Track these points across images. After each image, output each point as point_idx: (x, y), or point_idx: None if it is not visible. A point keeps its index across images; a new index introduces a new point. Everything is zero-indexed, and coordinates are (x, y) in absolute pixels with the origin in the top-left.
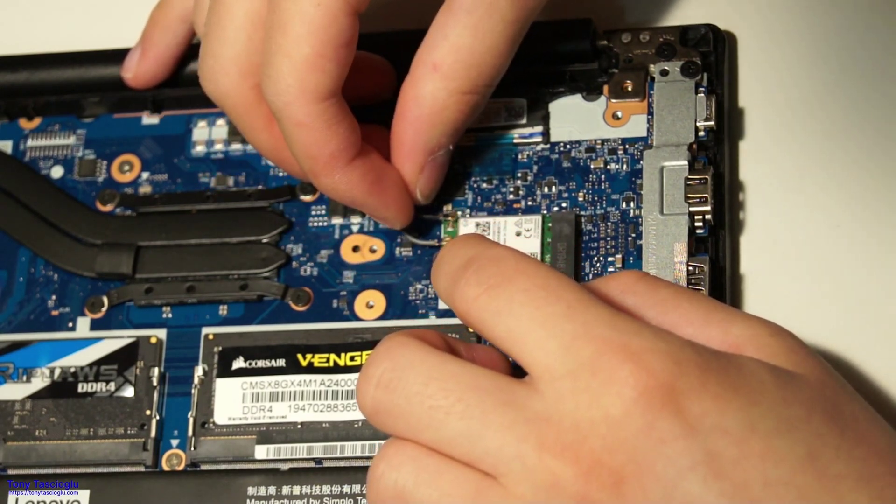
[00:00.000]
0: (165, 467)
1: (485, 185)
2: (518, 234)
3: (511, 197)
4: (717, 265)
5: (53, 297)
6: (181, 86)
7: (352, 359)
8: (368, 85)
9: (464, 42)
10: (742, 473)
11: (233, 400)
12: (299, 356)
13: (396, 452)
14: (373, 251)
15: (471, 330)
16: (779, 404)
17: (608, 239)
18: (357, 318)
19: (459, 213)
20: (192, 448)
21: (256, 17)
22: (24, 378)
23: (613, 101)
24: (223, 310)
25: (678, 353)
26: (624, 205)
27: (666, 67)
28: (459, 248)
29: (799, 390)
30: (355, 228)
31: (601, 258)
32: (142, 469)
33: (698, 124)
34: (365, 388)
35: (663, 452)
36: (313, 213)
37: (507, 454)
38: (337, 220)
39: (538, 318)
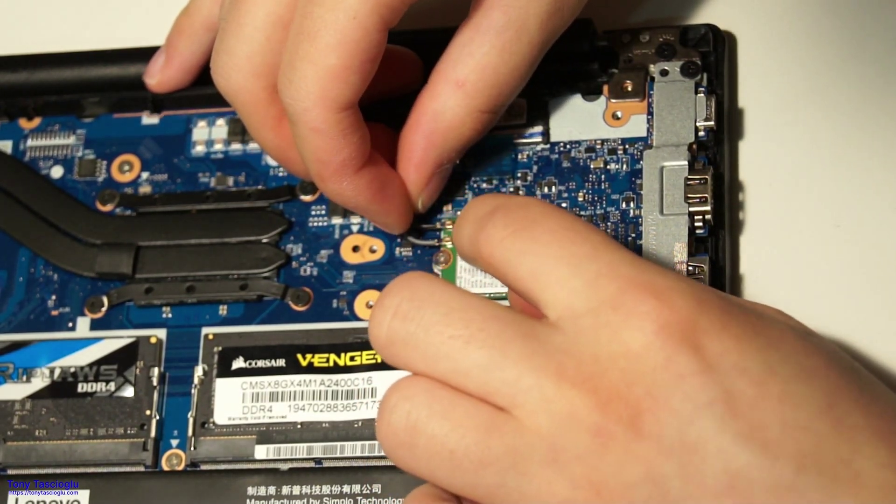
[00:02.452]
0: (165, 467)
1: (485, 186)
2: None
3: None
4: (717, 265)
5: (53, 297)
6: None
7: (352, 359)
8: (398, 78)
9: (490, 61)
10: (759, 414)
11: (233, 400)
12: (299, 356)
13: (410, 384)
14: (373, 251)
15: None
16: (799, 353)
17: None
18: (357, 318)
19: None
20: (192, 448)
21: (277, 19)
22: (24, 378)
23: (613, 101)
24: (223, 310)
25: (701, 294)
26: (624, 205)
27: (666, 67)
28: (485, 199)
29: (819, 345)
30: (355, 228)
31: None
32: (142, 469)
33: (698, 124)
34: (381, 317)
35: (681, 387)
36: (313, 213)
37: (525, 384)
38: (337, 220)
39: (563, 258)
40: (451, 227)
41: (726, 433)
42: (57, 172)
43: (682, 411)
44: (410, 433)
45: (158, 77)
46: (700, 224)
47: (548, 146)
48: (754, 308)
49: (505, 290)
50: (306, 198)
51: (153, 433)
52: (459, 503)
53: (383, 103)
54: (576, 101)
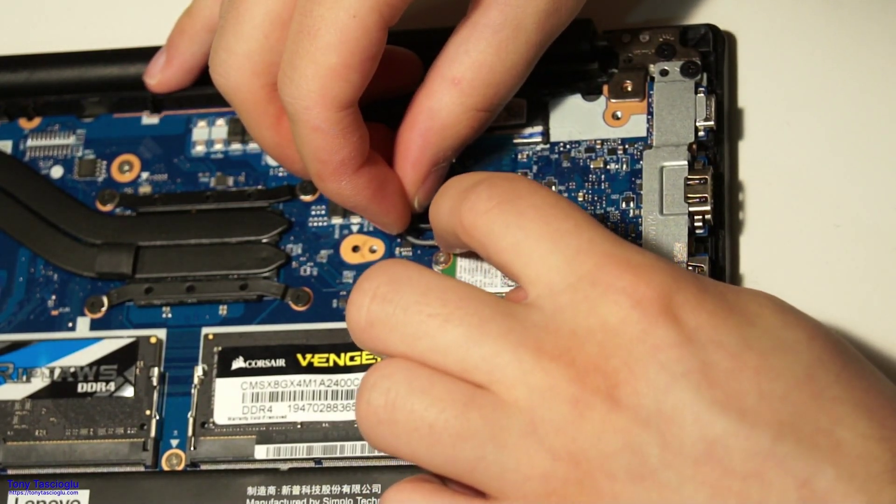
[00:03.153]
0: (165, 467)
1: None
2: None
3: None
4: (716, 265)
5: (53, 297)
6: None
7: (351, 359)
8: (397, 78)
9: (486, 59)
10: (736, 384)
11: (233, 400)
12: (299, 356)
13: (389, 364)
14: (373, 251)
15: None
16: (777, 327)
17: None
18: None
19: None
20: (192, 448)
21: (276, 17)
22: (24, 378)
23: (613, 101)
24: (223, 310)
25: (677, 272)
26: (624, 205)
27: (666, 67)
28: (467, 175)
29: (801, 319)
30: (355, 228)
31: None
32: (142, 469)
33: (698, 124)
34: (360, 300)
35: (657, 358)
36: (313, 213)
37: (503, 359)
38: (337, 220)
39: (546, 233)
40: None
41: (703, 401)
42: (57, 172)
43: (659, 381)
44: (390, 410)
45: (159, 77)
46: (700, 224)
47: (548, 146)
48: (729, 288)
49: (501, 290)
50: (306, 198)
51: (153, 433)
52: (444, 484)
53: (383, 103)
54: (576, 101)
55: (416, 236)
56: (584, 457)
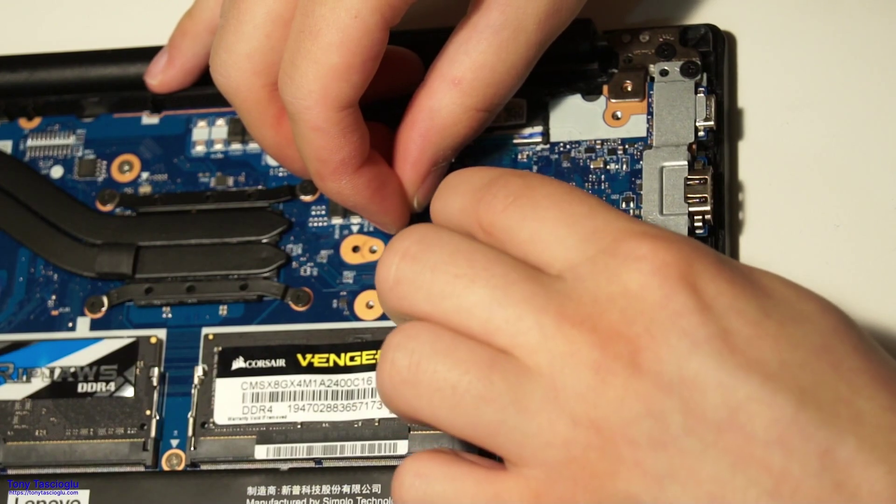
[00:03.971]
0: (165, 467)
1: None
2: None
3: None
4: None
5: (53, 297)
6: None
7: (352, 359)
8: (398, 78)
9: (487, 60)
10: (757, 351)
11: (233, 400)
12: (299, 356)
13: (413, 326)
14: (373, 251)
15: None
16: (792, 299)
17: None
18: (357, 319)
19: None
20: (192, 448)
21: (277, 17)
22: (24, 378)
23: (613, 101)
24: (223, 310)
25: (694, 243)
26: (624, 205)
27: (666, 67)
28: (476, 171)
29: (813, 294)
30: (355, 228)
31: None
32: (142, 469)
33: (698, 124)
34: (390, 259)
35: (678, 324)
36: (313, 213)
37: (526, 323)
38: (337, 221)
39: (561, 218)
40: None
41: (725, 367)
42: (57, 172)
43: (681, 347)
44: (414, 370)
45: (160, 77)
46: (700, 224)
47: (548, 146)
48: (743, 265)
49: None
50: (306, 198)
51: (153, 433)
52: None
53: (383, 103)
54: (576, 101)
55: None
56: (606, 423)
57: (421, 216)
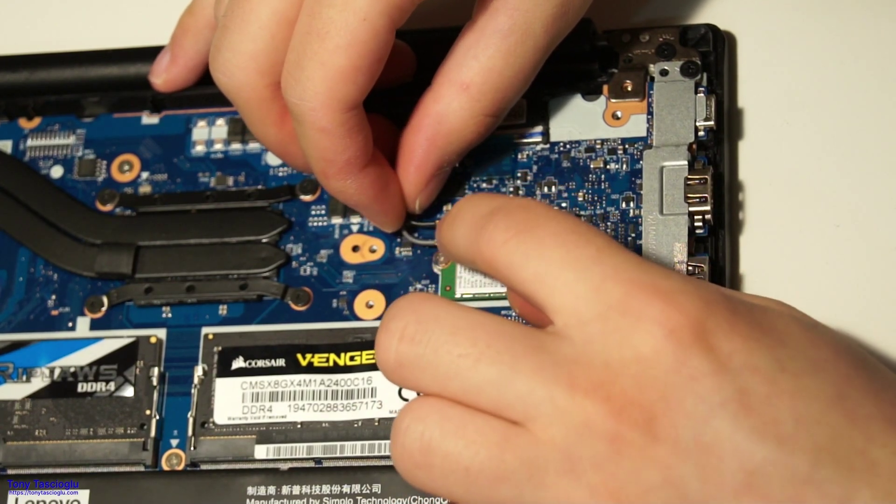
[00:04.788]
0: (165, 467)
1: (484, 185)
2: None
3: None
4: (716, 265)
5: (53, 296)
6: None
7: (352, 359)
8: (393, 70)
9: (495, 65)
10: (773, 411)
11: (232, 400)
12: (299, 356)
13: (421, 405)
14: (372, 251)
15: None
16: (806, 346)
17: None
18: (357, 318)
19: None
20: (192, 448)
21: (283, 17)
22: (24, 378)
23: (613, 100)
24: (223, 310)
25: (707, 295)
26: (624, 205)
27: (666, 67)
28: (481, 200)
29: (824, 335)
30: (355, 228)
31: None
32: (141, 469)
33: (698, 124)
34: (388, 342)
35: (694, 389)
36: (313, 212)
37: (537, 396)
38: (337, 220)
39: (568, 261)
40: None
41: (741, 431)
42: (57, 172)
43: (697, 413)
44: (425, 454)
45: (164, 76)
46: (700, 224)
47: (548, 146)
48: (758, 303)
49: (504, 289)
50: (306, 198)
51: (153, 433)
52: None
53: (377, 93)
54: (576, 101)
55: (416, 236)
56: (624, 492)
57: (423, 216)
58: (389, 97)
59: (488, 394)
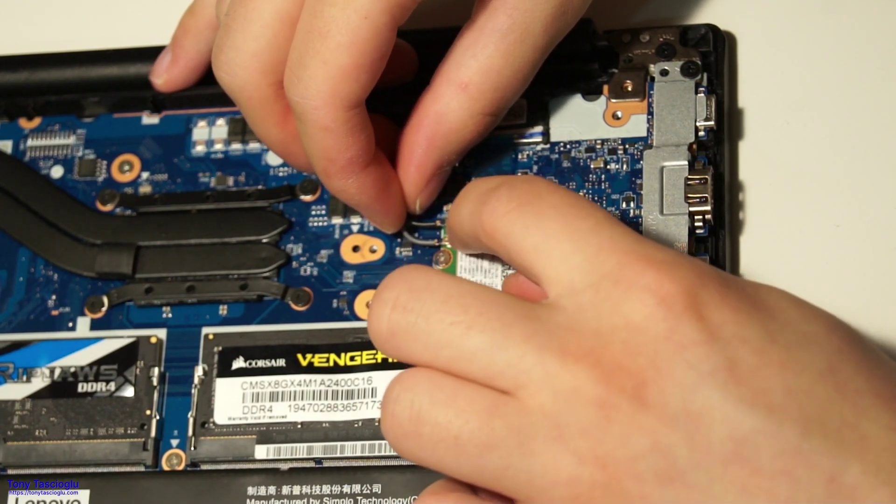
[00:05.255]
0: (165, 467)
1: None
2: None
3: None
4: (717, 265)
5: (53, 296)
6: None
7: (352, 359)
8: (395, 69)
9: (494, 64)
10: (762, 381)
11: (233, 400)
12: (299, 356)
13: (412, 375)
14: (373, 251)
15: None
16: (798, 320)
17: None
18: (357, 318)
19: None
20: (192, 448)
21: (285, 16)
22: (24, 378)
23: (613, 100)
24: (223, 310)
25: (700, 268)
26: (624, 205)
27: (666, 67)
28: (486, 179)
29: (817, 311)
30: (355, 228)
31: None
32: (142, 469)
33: (698, 124)
34: (380, 311)
35: (683, 357)
36: (313, 213)
37: (527, 363)
38: (337, 220)
39: (566, 232)
40: None
41: (730, 399)
42: (57, 172)
43: (686, 380)
44: (415, 423)
45: (165, 76)
46: (700, 224)
47: (548, 146)
48: (749, 283)
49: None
50: (306, 198)
51: (153, 433)
52: (475, 493)
53: (378, 92)
54: (576, 101)
55: (416, 236)
56: (611, 459)
57: (423, 216)
58: (390, 97)
59: (479, 361)
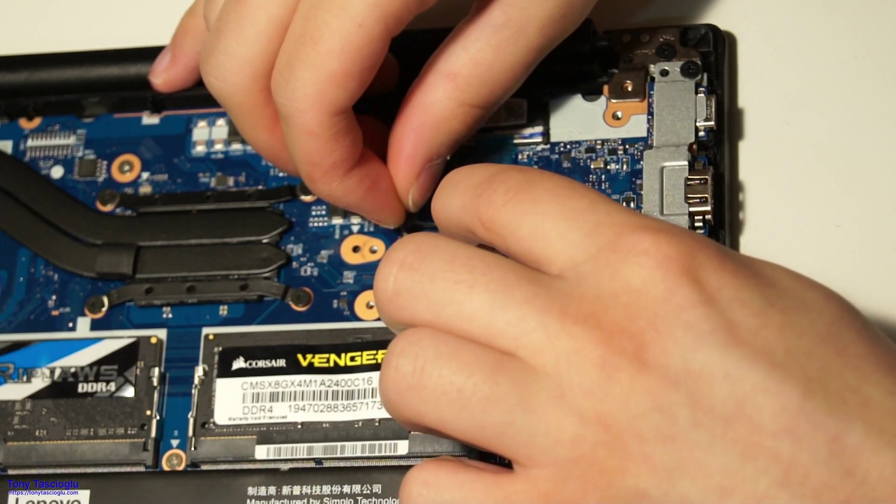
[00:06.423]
0: (165, 467)
1: None
2: None
3: None
4: None
5: (53, 297)
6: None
7: (352, 359)
8: (377, 79)
9: (484, 57)
10: (762, 341)
11: (233, 400)
12: (299, 356)
13: (416, 331)
14: (373, 251)
15: None
16: (796, 288)
17: None
18: (357, 319)
19: None
20: (193, 448)
21: (280, 22)
22: (25, 378)
23: (613, 101)
24: (223, 310)
25: (696, 236)
26: (624, 205)
27: (666, 67)
28: (476, 169)
29: (816, 283)
30: (355, 229)
31: None
32: (142, 469)
33: (698, 124)
34: (388, 269)
35: (683, 318)
36: (313, 213)
37: (529, 324)
38: (337, 221)
39: (562, 212)
40: None
41: (731, 358)
42: (57, 172)
43: (686, 341)
44: (418, 375)
45: (164, 76)
46: (700, 224)
47: (548, 146)
48: (745, 256)
49: None
50: (306, 198)
51: (153, 433)
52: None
53: (361, 101)
54: (576, 101)
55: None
56: (613, 419)
57: (421, 213)
58: (372, 105)
59: (481, 320)
